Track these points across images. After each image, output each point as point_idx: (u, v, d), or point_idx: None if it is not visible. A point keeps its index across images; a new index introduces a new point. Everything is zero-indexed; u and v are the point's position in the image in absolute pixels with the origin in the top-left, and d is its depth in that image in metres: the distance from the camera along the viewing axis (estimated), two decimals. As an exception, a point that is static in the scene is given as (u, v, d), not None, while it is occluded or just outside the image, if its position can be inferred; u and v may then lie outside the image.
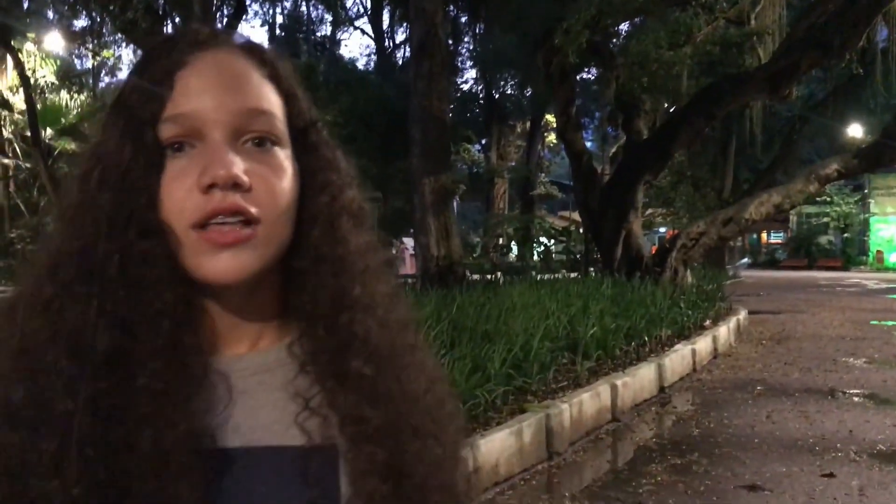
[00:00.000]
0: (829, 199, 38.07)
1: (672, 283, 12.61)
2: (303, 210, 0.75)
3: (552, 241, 24.87)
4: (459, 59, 26.48)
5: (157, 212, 0.69)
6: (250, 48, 0.77)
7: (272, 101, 0.74)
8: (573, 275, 15.30)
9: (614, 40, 15.57)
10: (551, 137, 35.35)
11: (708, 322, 10.95)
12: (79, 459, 0.62)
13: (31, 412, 0.64)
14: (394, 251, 16.88)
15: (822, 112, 22.92)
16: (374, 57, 32.20)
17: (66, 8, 17.02)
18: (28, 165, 24.34)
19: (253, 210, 0.69)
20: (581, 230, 21.84)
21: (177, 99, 0.70)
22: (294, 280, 0.77)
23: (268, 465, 0.71)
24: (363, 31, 34.89)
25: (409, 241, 17.15)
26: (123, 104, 0.72)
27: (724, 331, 10.84)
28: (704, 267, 16.15)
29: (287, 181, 0.73)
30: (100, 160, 0.71)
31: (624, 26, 15.76)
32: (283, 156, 0.74)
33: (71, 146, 24.28)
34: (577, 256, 21.96)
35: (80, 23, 17.53)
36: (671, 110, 17.03)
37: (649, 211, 25.68)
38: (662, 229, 35.64)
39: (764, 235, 45.65)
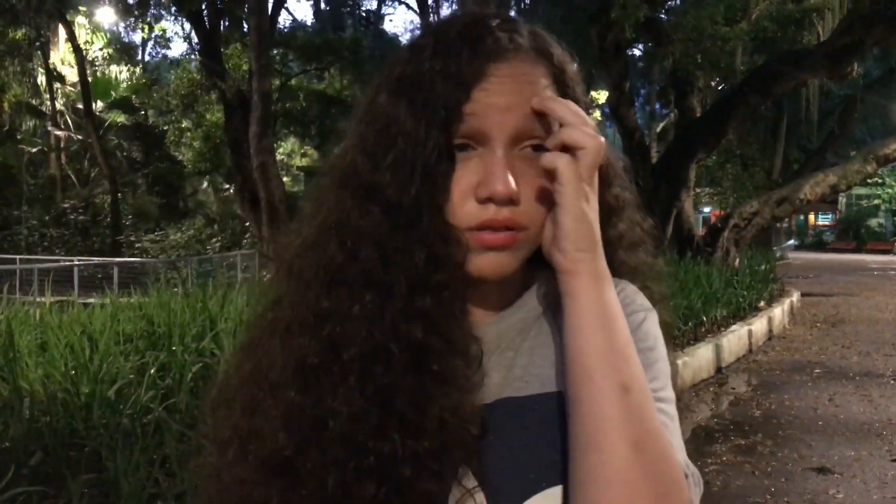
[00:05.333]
0: (880, 180, 37.15)
1: (723, 263, 12.44)
2: None
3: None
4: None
5: (446, 212, 0.73)
6: (542, 52, 0.78)
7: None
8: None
9: (665, 15, 15.28)
10: (595, 114, 35.00)
11: (762, 303, 10.80)
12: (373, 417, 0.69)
13: (329, 375, 0.72)
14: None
15: (880, 91, 22.31)
16: (418, 31, 32.05)
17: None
18: (79, 137, 24.78)
19: (521, 221, 0.73)
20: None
21: (471, 102, 0.73)
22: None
23: (512, 416, 0.75)
24: (408, 6, 34.79)
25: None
26: (419, 92, 0.73)
27: (779, 312, 10.69)
28: (751, 247, 15.94)
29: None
30: (392, 144, 0.73)
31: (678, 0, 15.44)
32: None
33: (120, 118, 24.68)
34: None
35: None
36: (724, 87, 16.70)
37: (696, 190, 25.32)
38: (707, 209, 35.16)
39: (812, 217, 44.84)
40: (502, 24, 0.77)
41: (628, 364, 0.69)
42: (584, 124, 0.71)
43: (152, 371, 4.16)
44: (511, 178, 0.71)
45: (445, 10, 29.04)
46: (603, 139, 0.72)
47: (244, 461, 0.75)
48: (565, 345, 0.72)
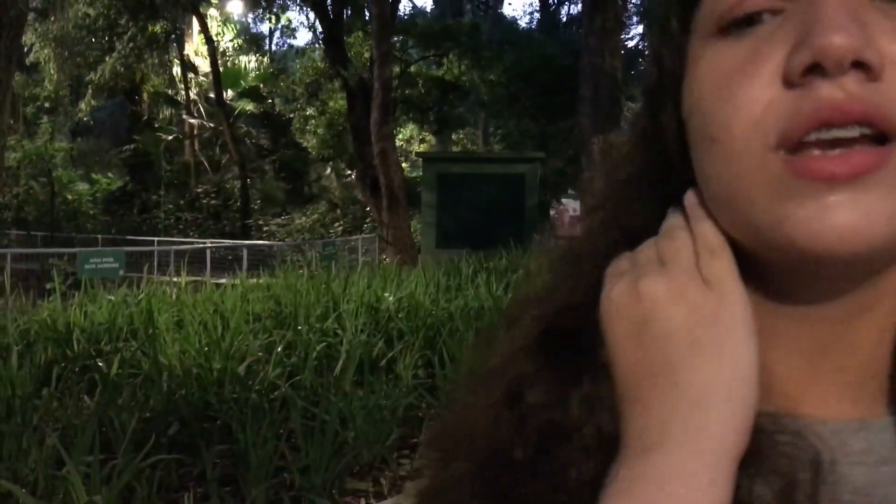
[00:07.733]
0: None
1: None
2: None
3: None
4: (626, 14, 25.72)
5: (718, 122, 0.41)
6: None
7: None
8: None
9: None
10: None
11: None
12: None
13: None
14: (552, 212, 16.81)
15: None
16: (536, 15, 31.91)
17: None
18: (211, 125, 25.98)
19: (890, 114, 0.37)
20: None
21: None
22: None
23: None
24: (527, -11, 34.52)
25: (567, 202, 17.02)
26: None
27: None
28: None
29: None
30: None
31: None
32: None
33: (249, 107, 25.70)
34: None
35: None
36: None
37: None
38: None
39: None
40: None
41: None
42: None
43: (279, 349, 4.35)
44: (857, 27, 0.37)
45: (565, -8, 28.72)
46: None
47: None
48: None
